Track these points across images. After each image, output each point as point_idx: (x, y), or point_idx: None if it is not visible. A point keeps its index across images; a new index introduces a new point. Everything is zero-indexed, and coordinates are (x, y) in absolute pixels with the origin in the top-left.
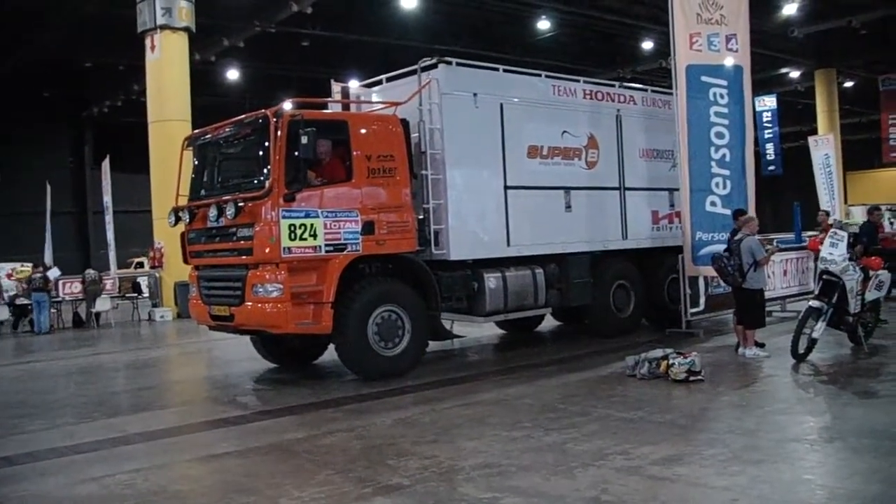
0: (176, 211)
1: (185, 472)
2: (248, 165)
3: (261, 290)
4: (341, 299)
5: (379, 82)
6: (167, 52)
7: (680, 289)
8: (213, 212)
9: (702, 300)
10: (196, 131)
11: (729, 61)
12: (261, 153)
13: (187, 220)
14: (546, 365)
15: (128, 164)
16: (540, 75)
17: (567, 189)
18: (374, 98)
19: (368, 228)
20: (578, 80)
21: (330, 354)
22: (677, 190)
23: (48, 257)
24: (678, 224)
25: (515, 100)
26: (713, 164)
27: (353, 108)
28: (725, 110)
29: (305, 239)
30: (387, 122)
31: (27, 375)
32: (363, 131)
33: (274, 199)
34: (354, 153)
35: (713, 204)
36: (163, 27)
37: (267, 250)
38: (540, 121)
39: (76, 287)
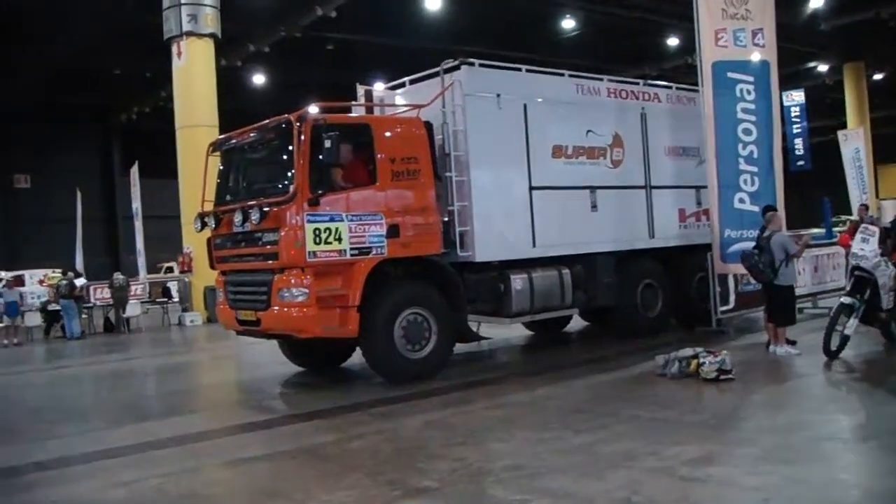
0: (202, 216)
1: (215, 477)
2: (272, 170)
3: (286, 294)
4: (367, 303)
5: (402, 85)
6: (193, 59)
7: (708, 287)
8: (238, 217)
9: (731, 298)
10: (221, 137)
11: (755, 56)
12: (285, 158)
13: (213, 226)
14: (575, 365)
15: (156, 170)
16: (563, 74)
17: (592, 188)
18: (398, 100)
19: (393, 231)
20: (602, 79)
21: (357, 357)
22: (704, 188)
23: (79, 263)
24: (705, 222)
25: (539, 100)
26: (741, 160)
27: (376, 111)
28: (752, 106)
29: (330, 243)
30: (410, 124)
31: (58, 380)
32: (387, 134)
33: (298, 204)
34: (378, 156)
35: (741, 201)
36: (189, 34)
37: (292, 254)
38: (564, 120)
39: (106, 293)
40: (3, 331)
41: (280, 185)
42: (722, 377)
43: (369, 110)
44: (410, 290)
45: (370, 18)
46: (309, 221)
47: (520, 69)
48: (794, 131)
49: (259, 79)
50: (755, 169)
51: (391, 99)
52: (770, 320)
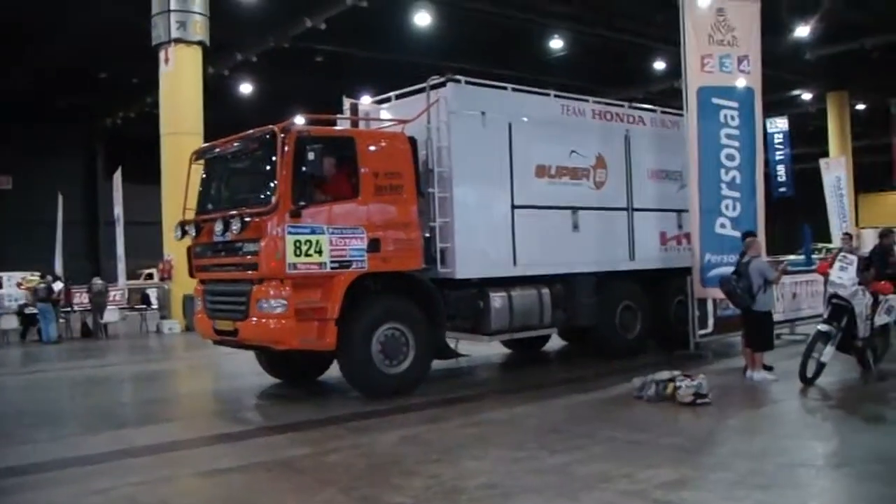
0: (182, 225)
1: (189, 487)
2: (254, 180)
3: (265, 305)
4: (346, 316)
5: (388, 99)
6: (181, 66)
7: (687, 310)
8: (219, 226)
9: (710, 322)
10: (204, 145)
11: (740, 83)
12: (268, 168)
13: (193, 234)
14: (553, 385)
15: (140, 176)
16: (549, 94)
17: (575, 209)
18: (384, 115)
19: (374, 245)
20: (587, 100)
21: (334, 371)
22: (685, 211)
23: (58, 267)
24: (686, 245)
25: (524, 119)
26: (723, 185)
27: (361, 125)
28: (736, 132)
29: (311, 255)
30: (394, 139)
31: (34, 385)
32: (371, 148)
33: (280, 215)
34: (361, 170)
35: (723, 226)
36: (177, 40)
37: (272, 266)
38: (548, 140)
39: (85, 297)
40: None
41: (262, 196)
42: (698, 401)
43: (354, 124)
44: (389, 304)
45: (359, 31)
46: (290, 233)
47: (506, 88)
48: (777, 158)
49: (246, 88)
50: (737, 194)
51: (377, 113)
52: (748, 345)
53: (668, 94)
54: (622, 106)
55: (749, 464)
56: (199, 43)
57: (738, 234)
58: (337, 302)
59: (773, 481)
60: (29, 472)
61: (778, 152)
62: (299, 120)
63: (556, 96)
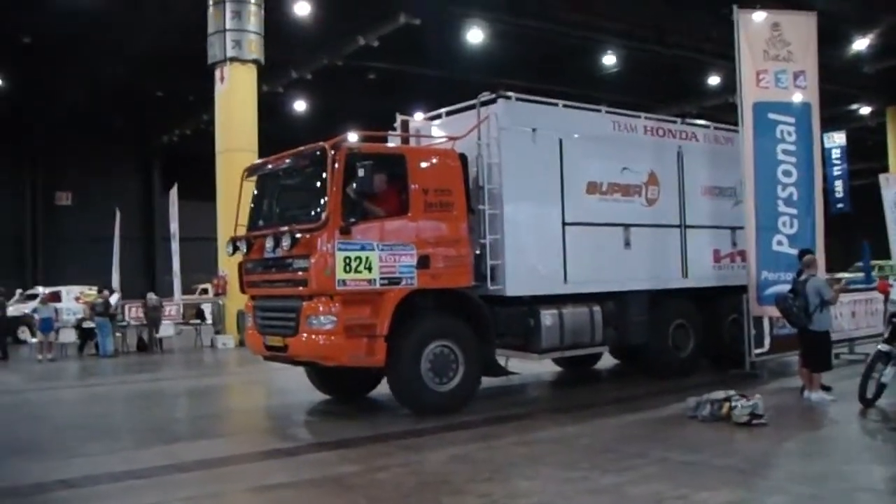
0: (234, 241)
1: (238, 502)
2: (305, 197)
3: (315, 321)
4: (395, 333)
5: (439, 116)
6: (236, 84)
7: (741, 329)
8: (269, 242)
9: (766, 341)
10: (256, 162)
11: (797, 98)
12: (318, 185)
13: (244, 250)
14: (605, 404)
15: (195, 193)
16: (600, 110)
17: (626, 226)
18: (434, 131)
19: (424, 262)
20: (639, 116)
21: (384, 387)
22: (740, 228)
23: (115, 282)
24: (740, 263)
25: (575, 135)
26: (780, 202)
27: (412, 141)
28: (793, 148)
29: (360, 272)
30: (445, 156)
31: (89, 398)
32: (421, 165)
33: (330, 232)
34: (412, 187)
35: (780, 243)
36: (232, 59)
37: (322, 282)
38: (599, 157)
39: (141, 312)
40: (38, 346)
41: (312, 213)
42: (754, 422)
43: (405, 140)
44: (439, 322)
45: (412, 49)
46: (340, 249)
47: (556, 104)
48: (835, 173)
49: (300, 105)
50: (794, 211)
51: (428, 129)
52: (805, 365)
53: (722, 110)
54: (675, 122)
55: (807, 488)
56: (254, 61)
57: (795, 251)
58: (386, 318)
59: None
60: (81, 486)
61: (835, 168)
62: (351, 137)
63: (607, 112)
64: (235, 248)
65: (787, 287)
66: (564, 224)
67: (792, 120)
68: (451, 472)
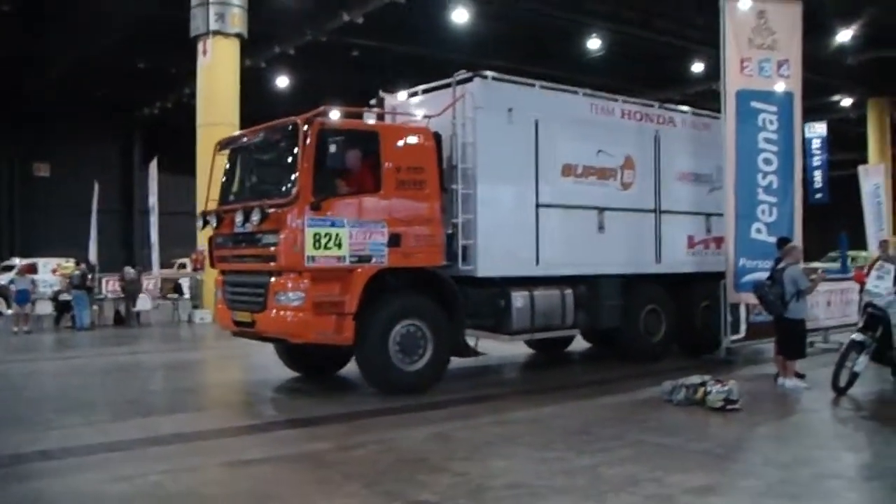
0: (205, 215)
1: (215, 477)
2: (276, 172)
3: (283, 297)
4: (364, 311)
5: (415, 94)
6: (218, 58)
7: (714, 316)
8: (239, 217)
9: (742, 327)
10: (228, 136)
11: (780, 87)
12: (289, 160)
13: (214, 225)
14: (581, 386)
15: (175, 166)
16: (578, 92)
17: (600, 209)
18: (410, 109)
19: (395, 241)
20: (617, 99)
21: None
22: (715, 215)
23: (92, 255)
24: (714, 250)
25: (551, 116)
26: (760, 190)
27: (388, 118)
28: (775, 136)
29: (330, 248)
30: (418, 134)
31: (66, 371)
32: (394, 143)
33: (300, 207)
34: (384, 164)
35: (758, 231)
36: (215, 32)
37: (291, 258)
38: (576, 139)
39: (118, 285)
40: (14, 318)
41: (283, 188)
42: (728, 407)
43: (381, 118)
44: (408, 300)
45: (396, 27)
46: (309, 226)
47: (533, 85)
48: (815, 163)
49: (283, 81)
50: (774, 199)
51: (406, 107)
52: (779, 352)
53: (705, 97)
54: (653, 106)
55: (779, 472)
56: (237, 35)
57: (773, 239)
58: (355, 296)
59: (803, 491)
60: (58, 457)
61: (815, 158)
62: (321, 112)
63: (584, 94)
64: (206, 223)
65: (765, 275)
66: (538, 206)
67: (774, 109)
68: (428, 450)
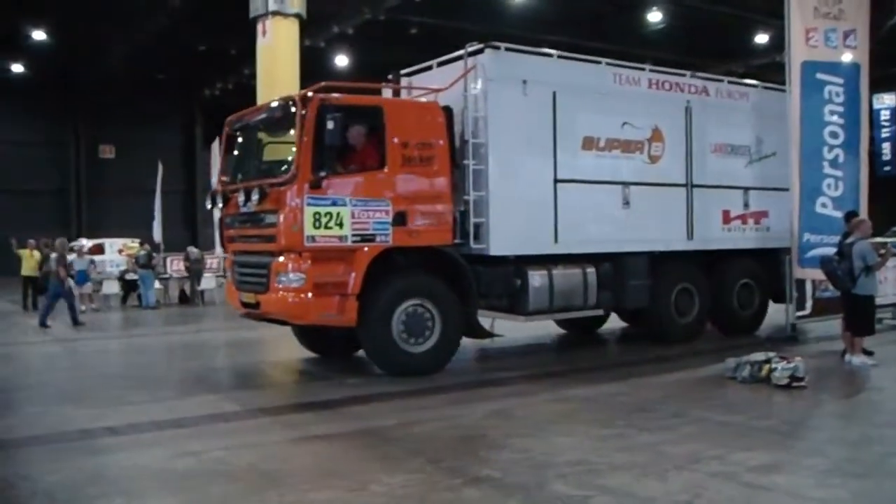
0: (213, 195)
1: (278, 452)
2: (278, 150)
3: (284, 278)
4: (368, 291)
5: (430, 67)
6: (278, 38)
7: (752, 295)
8: (241, 197)
9: (808, 304)
10: (236, 114)
11: (846, 58)
12: (291, 137)
13: (220, 205)
14: (641, 363)
15: None
16: (600, 62)
17: (626, 184)
18: (422, 83)
19: (400, 219)
20: (644, 69)
21: None
22: (754, 189)
23: (157, 235)
24: (753, 225)
25: (571, 88)
26: (825, 164)
27: (392, 93)
28: (841, 109)
29: (331, 227)
30: (426, 109)
31: (133, 349)
32: (400, 118)
33: (299, 186)
34: (389, 140)
35: (823, 205)
36: (274, 13)
37: (290, 238)
38: (598, 111)
39: (183, 265)
40: (79, 298)
41: (284, 166)
42: (794, 384)
43: (396, 93)
44: (413, 280)
45: (455, 4)
46: (309, 204)
47: (551, 54)
48: (883, 135)
49: (341, 60)
50: (840, 173)
51: (422, 82)
52: (847, 329)
53: (770, 69)
54: (684, 75)
55: (845, 451)
56: (296, 15)
57: (838, 214)
58: (358, 277)
59: (871, 470)
60: (125, 433)
61: (884, 130)
62: (321, 88)
63: (607, 64)
64: (214, 203)
65: (832, 250)
66: (556, 181)
67: (840, 80)
68: (489, 426)
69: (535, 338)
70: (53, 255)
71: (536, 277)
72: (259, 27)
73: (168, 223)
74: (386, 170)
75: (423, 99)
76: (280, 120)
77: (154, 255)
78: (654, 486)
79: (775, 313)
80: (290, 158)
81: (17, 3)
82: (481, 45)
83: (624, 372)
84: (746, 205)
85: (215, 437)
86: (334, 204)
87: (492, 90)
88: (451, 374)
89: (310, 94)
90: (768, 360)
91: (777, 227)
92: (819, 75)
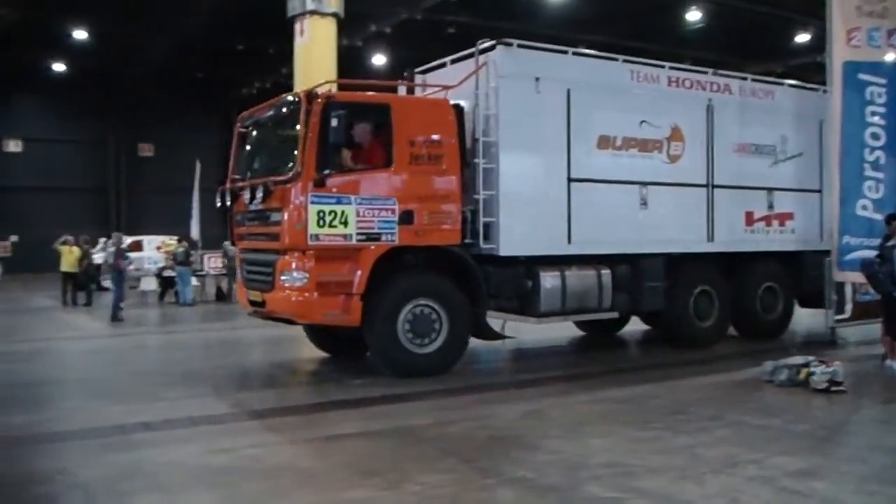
0: (222, 192)
1: (311, 450)
2: (283, 147)
3: (287, 277)
4: (373, 291)
5: (444, 64)
6: (315, 37)
7: (776, 299)
8: (247, 194)
9: (848, 307)
10: (248, 110)
11: (890, 57)
12: (295, 135)
13: (229, 202)
14: (675, 366)
15: None
16: (617, 59)
17: (643, 184)
18: (434, 81)
19: (407, 218)
20: (663, 66)
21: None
22: (779, 189)
23: (194, 232)
24: (778, 227)
25: (586, 85)
26: (866, 166)
27: (401, 91)
28: (883, 110)
29: (335, 226)
30: (435, 106)
31: (170, 345)
32: (407, 116)
33: (303, 184)
34: (396, 138)
35: (864, 208)
36: (312, 12)
37: (293, 236)
38: (614, 109)
39: (219, 262)
40: None
41: (289, 164)
42: (833, 388)
43: (409, 91)
44: (419, 280)
45: (492, 3)
46: (313, 203)
47: (566, 51)
48: None
49: (379, 59)
50: (881, 175)
51: (434, 79)
52: (888, 333)
53: (810, 69)
54: (705, 73)
55: (884, 458)
56: (334, 14)
57: (879, 216)
58: (362, 276)
59: None
60: (162, 429)
61: None
62: (327, 86)
63: (624, 61)
64: (223, 200)
65: (873, 253)
66: (570, 180)
67: (884, 81)
68: (523, 427)
69: (567, 339)
70: (111, 249)
71: (548, 278)
72: (297, 26)
73: (206, 220)
74: (392, 168)
75: (433, 96)
76: (287, 117)
77: (191, 252)
78: (690, 489)
79: (811, 317)
80: (295, 155)
81: (59, 2)
82: (493, 42)
83: (659, 374)
84: (771, 206)
85: (250, 434)
86: (339, 202)
87: (503, 87)
88: (485, 373)
89: (316, 91)
90: (807, 364)
91: (803, 230)
92: (861, 76)
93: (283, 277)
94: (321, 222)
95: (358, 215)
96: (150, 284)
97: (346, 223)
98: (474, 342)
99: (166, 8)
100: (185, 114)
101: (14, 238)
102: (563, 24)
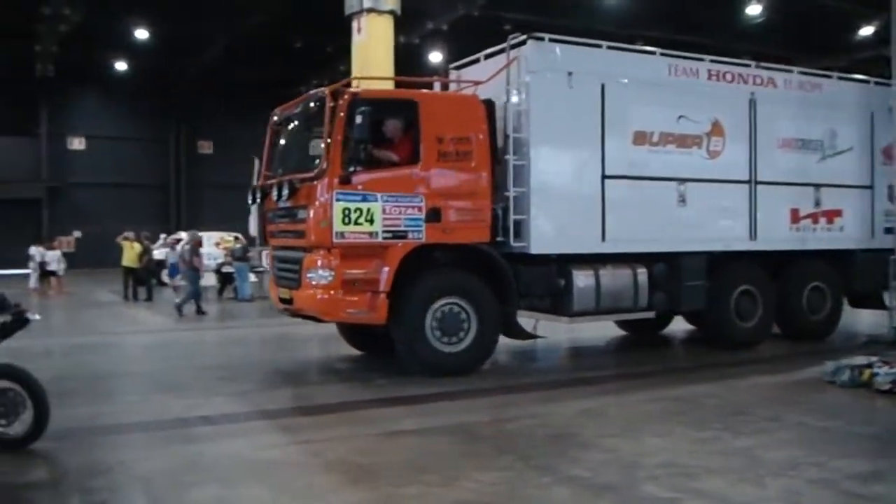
0: (254, 189)
1: (367, 446)
2: (311, 144)
3: (312, 275)
4: (399, 289)
5: (478, 60)
6: (373, 35)
7: (825, 298)
8: (275, 192)
9: None
10: (280, 106)
11: None
12: (321, 132)
13: (259, 200)
14: (733, 365)
15: None
16: (655, 52)
17: (682, 180)
18: (467, 76)
19: (434, 215)
20: (703, 59)
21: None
22: (827, 186)
23: (252, 228)
24: (825, 224)
25: (621, 80)
26: None
27: (452, 86)
28: None
29: (361, 224)
30: (465, 102)
31: (228, 340)
32: (436, 112)
33: (329, 181)
34: (423, 135)
35: None
36: (369, 10)
37: (318, 233)
38: (651, 104)
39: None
40: (176, 290)
41: (315, 161)
42: None
43: (444, 87)
44: (448, 278)
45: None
46: (338, 200)
47: (600, 45)
48: None
49: (436, 56)
50: None
51: (468, 75)
52: None
53: (874, 63)
54: (748, 66)
55: None
56: (391, 12)
57: None
58: (390, 274)
59: None
60: (220, 423)
61: None
62: (354, 82)
63: (662, 55)
64: (254, 197)
65: None
66: (604, 177)
67: None
68: (580, 425)
69: (614, 338)
70: (187, 247)
71: (581, 277)
72: (354, 24)
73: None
74: (420, 165)
75: (463, 92)
76: (314, 113)
77: (249, 248)
78: (749, 491)
79: (875, 317)
80: (322, 152)
81: (121, 3)
82: (524, 36)
83: (715, 374)
84: (818, 203)
85: (307, 429)
86: (364, 199)
87: (535, 82)
88: (542, 371)
89: (343, 87)
90: (870, 365)
91: (853, 227)
92: None
93: (308, 275)
94: (346, 220)
95: (384, 213)
96: (209, 280)
97: (371, 221)
98: (528, 342)
99: (225, 8)
100: (243, 111)
101: (77, 234)
102: (620, 21)
